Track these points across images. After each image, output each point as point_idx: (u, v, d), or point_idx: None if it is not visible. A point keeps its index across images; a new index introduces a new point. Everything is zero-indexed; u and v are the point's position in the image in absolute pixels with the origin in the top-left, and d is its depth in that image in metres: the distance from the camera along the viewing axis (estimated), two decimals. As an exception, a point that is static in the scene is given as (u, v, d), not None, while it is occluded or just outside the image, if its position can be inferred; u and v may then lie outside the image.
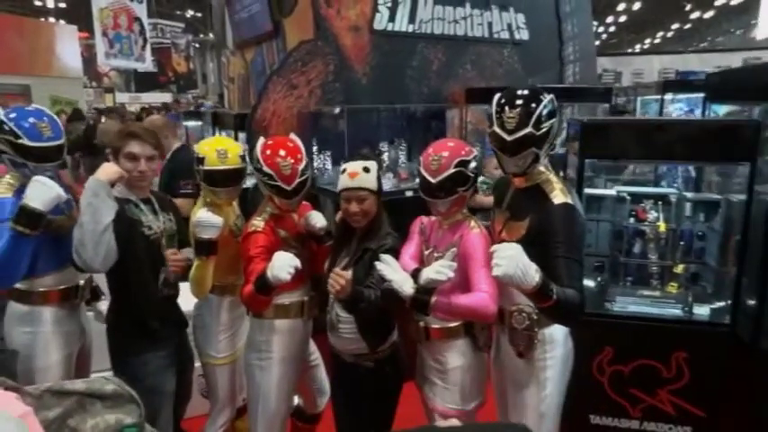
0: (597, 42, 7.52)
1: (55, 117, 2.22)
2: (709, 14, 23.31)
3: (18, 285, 2.16)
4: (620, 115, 5.85)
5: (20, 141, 2.06)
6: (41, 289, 2.20)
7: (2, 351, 2.21)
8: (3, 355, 2.17)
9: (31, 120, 2.10)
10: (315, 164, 3.93)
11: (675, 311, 2.58)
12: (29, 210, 1.92)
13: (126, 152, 2.09)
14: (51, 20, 19.51)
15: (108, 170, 2.04)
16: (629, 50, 26.43)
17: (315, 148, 3.97)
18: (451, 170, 1.89)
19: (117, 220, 1.99)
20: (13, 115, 2.09)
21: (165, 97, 20.34)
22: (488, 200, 2.53)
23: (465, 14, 4.88)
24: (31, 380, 2.18)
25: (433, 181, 1.91)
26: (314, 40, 4.22)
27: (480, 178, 2.68)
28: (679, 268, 2.71)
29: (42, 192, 1.95)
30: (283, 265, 1.85)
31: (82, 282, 2.33)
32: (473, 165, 1.94)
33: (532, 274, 1.55)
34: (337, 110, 4.20)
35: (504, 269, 1.53)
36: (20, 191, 2.04)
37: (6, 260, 1.95)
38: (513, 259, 1.53)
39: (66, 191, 2.13)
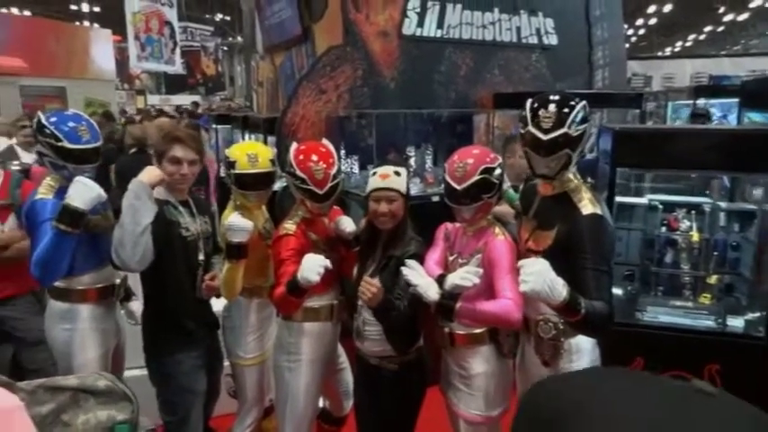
0: (626, 45, 7.39)
1: (92, 121, 2.31)
2: (743, 17, 22.73)
3: (57, 284, 2.23)
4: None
5: (60, 144, 2.14)
6: (80, 287, 2.27)
7: None
8: None
9: (71, 123, 2.18)
10: (342, 168, 3.95)
11: (708, 323, 2.54)
12: (71, 209, 2.00)
13: (170, 156, 2.16)
14: (86, 24, 20.04)
15: (150, 174, 2.11)
16: (660, 53, 25.96)
17: (342, 153, 4.00)
18: (476, 177, 1.90)
19: (155, 220, 2.06)
20: (53, 119, 2.17)
21: (194, 99, 20.70)
22: (505, 209, 2.53)
23: (493, 19, 4.86)
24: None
25: (458, 188, 1.92)
26: (343, 46, 4.25)
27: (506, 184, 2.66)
28: (712, 279, 2.66)
29: (84, 191, 2.02)
30: (313, 266, 1.88)
31: (118, 281, 2.40)
32: (498, 172, 1.95)
33: (560, 289, 1.55)
34: (365, 114, 4.23)
35: (532, 285, 1.53)
36: (60, 192, 2.12)
37: (50, 258, 2.02)
38: (540, 275, 1.54)
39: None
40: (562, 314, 1.66)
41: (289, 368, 2.22)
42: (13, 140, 4.46)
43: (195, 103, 16.32)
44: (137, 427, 1.13)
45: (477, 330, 2.00)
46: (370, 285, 1.86)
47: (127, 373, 2.57)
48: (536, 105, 1.81)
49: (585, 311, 1.58)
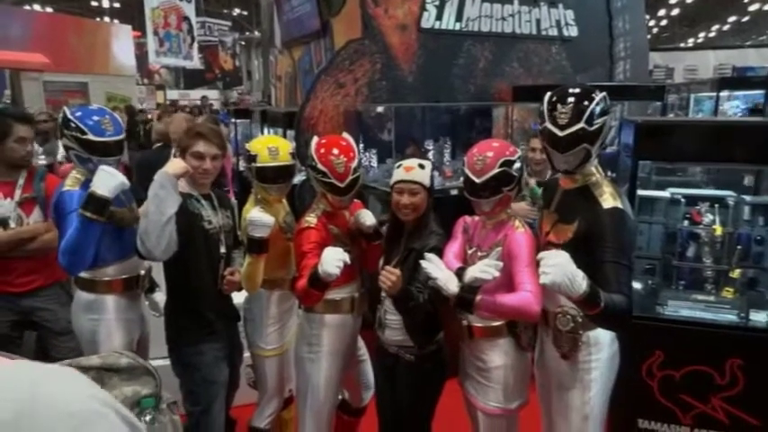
0: (648, 37, 7.28)
1: (115, 115, 2.36)
2: (769, 6, 22.18)
3: (83, 275, 2.29)
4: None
5: (85, 137, 2.19)
6: (105, 278, 2.32)
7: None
8: None
9: (95, 117, 2.23)
10: (361, 161, 3.98)
11: (731, 317, 2.51)
12: (96, 196, 2.05)
13: (193, 151, 2.19)
14: (106, 19, 20.30)
15: (176, 165, 2.14)
16: (682, 45, 25.47)
17: (361, 146, 4.02)
18: (496, 170, 1.90)
19: (179, 212, 2.09)
20: (78, 114, 2.23)
21: (213, 94, 20.86)
22: (520, 207, 2.52)
23: (513, 11, 4.82)
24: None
25: (477, 181, 1.92)
26: (361, 39, 4.26)
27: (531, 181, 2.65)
28: (735, 273, 2.62)
29: (108, 179, 2.07)
30: (332, 260, 1.90)
31: (143, 272, 2.45)
32: (517, 165, 1.95)
33: (580, 281, 1.55)
34: (383, 108, 4.24)
35: (552, 277, 1.53)
36: (85, 184, 2.17)
37: (77, 246, 2.07)
38: (560, 267, 1.54)
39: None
40: (581, 307, 1.66)
41: (310, 359, 2.25)
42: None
43: (205, 98, 16.40)
44: (161, 400, 1.17)
45: (496, 323, 2.01)
46: (390, 274, 1.88)
47: (155, 363, 2.62)
48: (554, 100, 1.81)
49: (605, 305, 1.58)
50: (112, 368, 1.13)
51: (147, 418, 1.15)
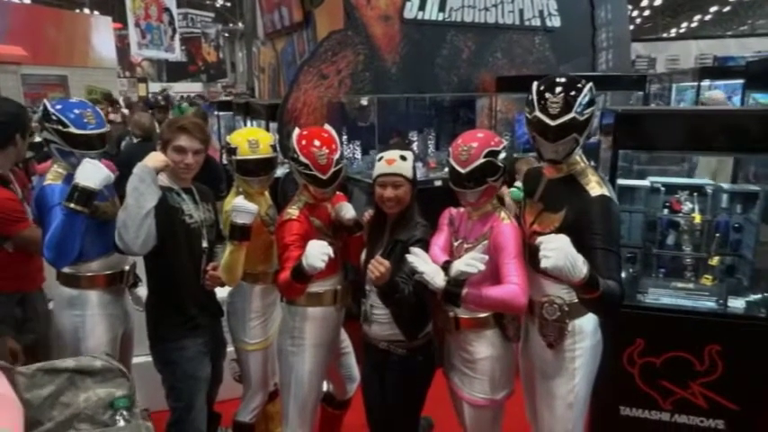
0: (630, 27, 7.31)
1: (97, 108, 2.32)
2: (750, -4, 22.41)
3: (66, 270, 2.26)
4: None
5: (67, 130, 2.16)
6: (88, 273, 2.29)
7: None
8: None
9: (76, 110, 2.20)
10: (344, 154, 3.96)
11: (710, 304, 2.55)
12: (81, 187, 2.01)
13: (175, 145, 2.16)
14: (86, 11, 19.93)
15: (155, 158, 2.11)
16: (665, 35, 25.64)
17: (345, 138, 4.00)
18: (481, 160, 1.90)
19: (159, 207, 2.07)
20: (59, 107, 2.19)
21: (196, 87, 20.64)
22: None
23: (496, 2, 4.82)
24: (80, 362, 2.29)
25: (462, 171, 1.92)
26: (344, 30, 4.23)
27: (516, 184, 2.65)
28: (714, 260, 2.66)
29: (93, 171, 2.04)
30: (317, 253, 1.89)
31: (127, 267, 2.42)
32: (502, 155, 1.95)
33: (580, 265, 1.55)
34: (367, 99, 4.22)
35: (554, 261, 1.52)
36: (68, 178, 2.14)
37: (62, 239, 2.04)
38: (561, 251, 1.53)
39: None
40: (580, 291, 1.65)
41: (292, 352, 2.24)
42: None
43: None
44: (134, 402, 1.16)
45: (482, 314, 2.01)
46: (380, 264, 1.87)
47: (135, 360, 2.61)
48: (542, 89, 1.80)
49: (603, 289, 1.60)
50: (86, 371, 1.13)
51: (121, 419, 1.14)
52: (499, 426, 2.16)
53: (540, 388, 2.04)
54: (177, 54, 16.34)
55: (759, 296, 2.53)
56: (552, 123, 1.77)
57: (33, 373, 1.11)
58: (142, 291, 2.52)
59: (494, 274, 1.88)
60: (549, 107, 1.77)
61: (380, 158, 2.10)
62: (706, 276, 2.67)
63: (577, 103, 1.75)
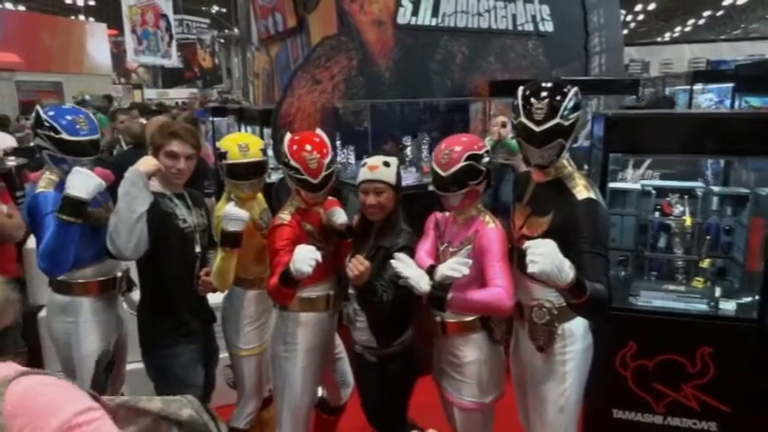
0: (625, 31, 7.36)
1: (90, 114, 2.31)
2: (743, 0, 22.53)
3: (59, 276, 2.25)
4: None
5: (59, 136, 2.15)
6: (81, 280, 2.28)
7: None
8: None
9: (69, 117, 2.19)
10: (338, 158, 3.97)
11: (701, 306, 2.56)
12: (72, 198, 2.00)
13: (167, 150, 2.16)
14: (81, 18, 19.94)
15: (147, 163, 2.11)
16: (658, 39, 25.79)
17: (338, 143, 4.01)
18: (462, 163, 1.91)
19: (151, 212, 2.06)
20: (51, 113, 2.18)
21: (187, 93, 20.64)
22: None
23: (489, 7, 4.84)
24: (71, 368, 2.28)
25: (443, 174, 1.94)
26: (337, 35, 4.24)
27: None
28: (705, 263, 2.68)
29: (83, 181, 2.02)
30: (304, 258, 1.89)
31: (119, 273, 2.41)
32: (485, 159, 1.96)
33: (567, 270, 1.56)
34: (361, 104, 4.23)
35: (541, 266, 1.53)
36: (60, 186, 2.12)
37: (56, 249, 2.03)
38: (548, 256, 1.54)
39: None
40: (567, 296, 1.66)
41: (285, 358, 2.24)
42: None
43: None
44: None
45: (469, 318, 2.02)
46: (360, 263, 1.88)
47: (128, 367, 2.60)
48: (527, 94, 1.81)
49: (590, 293, 1.60)
50: (171, 418, 1.05)
51: None
52: (489, 429, 2.17)
53: (532, 392, 2.04)
54: (174, 60, 16.34)
55: (750, 298, 2.54)
56: (537, 129, 1.78)
57: (116, 408, 1.03)
58: (136, 295, 2.51)
59: (479, 277, 1.88)
60: (534, 113, 1.78)
61: (364, 164, 2.11)
62: (697, 279, 2.69)
63: (562, 108, 1.76)
